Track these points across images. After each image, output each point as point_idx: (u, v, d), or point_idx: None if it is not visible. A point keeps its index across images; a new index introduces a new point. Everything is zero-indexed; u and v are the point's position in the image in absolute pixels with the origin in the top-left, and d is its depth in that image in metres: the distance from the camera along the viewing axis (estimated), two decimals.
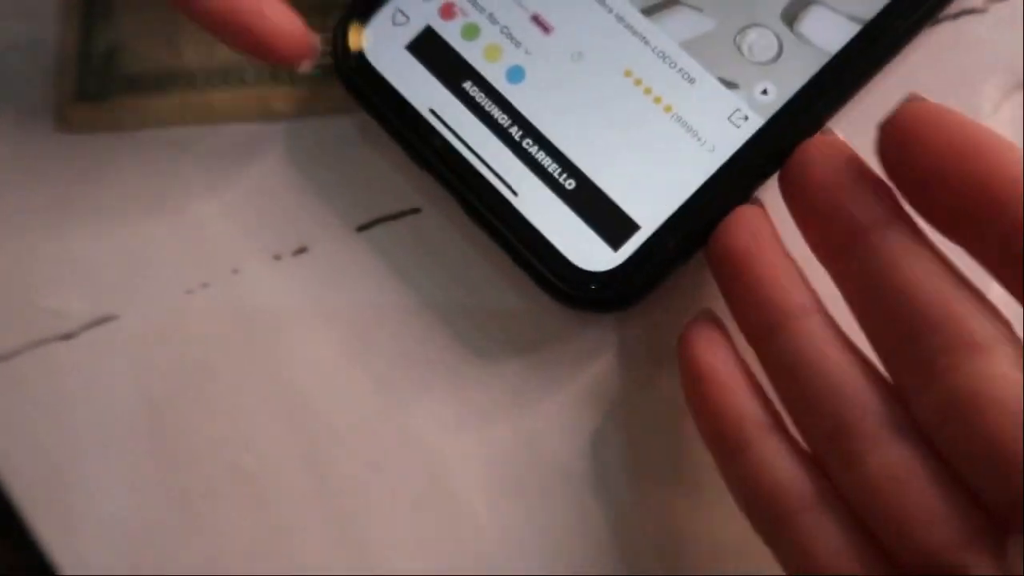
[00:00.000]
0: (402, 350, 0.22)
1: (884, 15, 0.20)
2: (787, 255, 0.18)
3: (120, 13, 0.24)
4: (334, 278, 0.22)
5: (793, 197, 0.18)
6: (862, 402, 0.16)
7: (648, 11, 0.21)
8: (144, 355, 0.22)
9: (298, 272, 0.23)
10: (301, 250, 0.23)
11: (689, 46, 0.20)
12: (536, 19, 0.21)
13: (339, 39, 0.22)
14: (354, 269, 0.22)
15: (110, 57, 0.24)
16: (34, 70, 0.24)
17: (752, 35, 0.20)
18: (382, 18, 0.22)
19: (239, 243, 0.23)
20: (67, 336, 0.22)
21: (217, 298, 0.23)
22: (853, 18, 0.20)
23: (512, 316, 0.22)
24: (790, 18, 0.20)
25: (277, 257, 0.23)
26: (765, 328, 0.17)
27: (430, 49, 0.21)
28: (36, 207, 0.23)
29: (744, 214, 0.18)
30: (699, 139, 0.20)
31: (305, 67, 0.21)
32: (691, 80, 0.20)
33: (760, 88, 0.20)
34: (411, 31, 0.21)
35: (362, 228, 0.23)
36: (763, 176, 0.20)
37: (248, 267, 0.23)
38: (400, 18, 0.22)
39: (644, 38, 0.21)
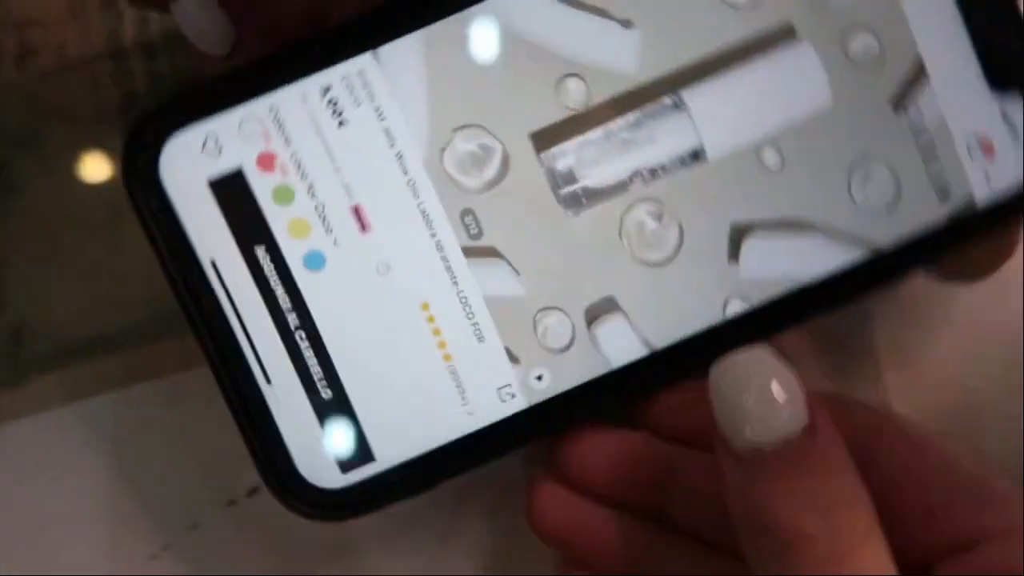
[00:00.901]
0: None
1: (673, 349, 0.19)
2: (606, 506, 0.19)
3: (13, 293, 0.22)
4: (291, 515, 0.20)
5: None
6: None
7: (469, 251, 0.19)
8: None
9: (256, 513, 0.22)
10: (254, 490, 0.22)
11: (492, 303, 0.19)
12: (356, 211, 0.18)
13: (133, 135, 0.18)
14: None
15: (17, 340, 0.22)
16: None
17: (552, 318, 0.19)
18: (191, 136, 0.18)
19: (192, 496, 0.22)
20: None
21: (181, 557, 0.22)
22: (645, 341, 0.19)
23: None
24: (592, 316, 0.19)
25: (232, 502, 0.22)
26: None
27: (233, 195, 0.18)
28: None
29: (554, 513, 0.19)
30: (463, 399, 0.19)
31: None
32: (480, 339, 0.19)
33: (537, 373, 0.19)
34: (220, 166, 0.18)
35: None
36: (505, 452, 0.19)
37: (206, 519, 0.22)
38: (212, 146, 0.18)
39: (455, 277, 0.19)
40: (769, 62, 0.18)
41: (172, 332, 0.22)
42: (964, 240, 0.19)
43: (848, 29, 0.18)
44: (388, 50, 0.18)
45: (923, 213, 0.19)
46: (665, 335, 0.19)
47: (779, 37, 0.18)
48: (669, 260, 0.19)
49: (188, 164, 0.18)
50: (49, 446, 0.22)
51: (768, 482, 0.15)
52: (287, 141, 0.18)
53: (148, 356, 0.22)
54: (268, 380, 0.18)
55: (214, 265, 0.18)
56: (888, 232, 0.19)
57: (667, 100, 0.19)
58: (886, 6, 0.18)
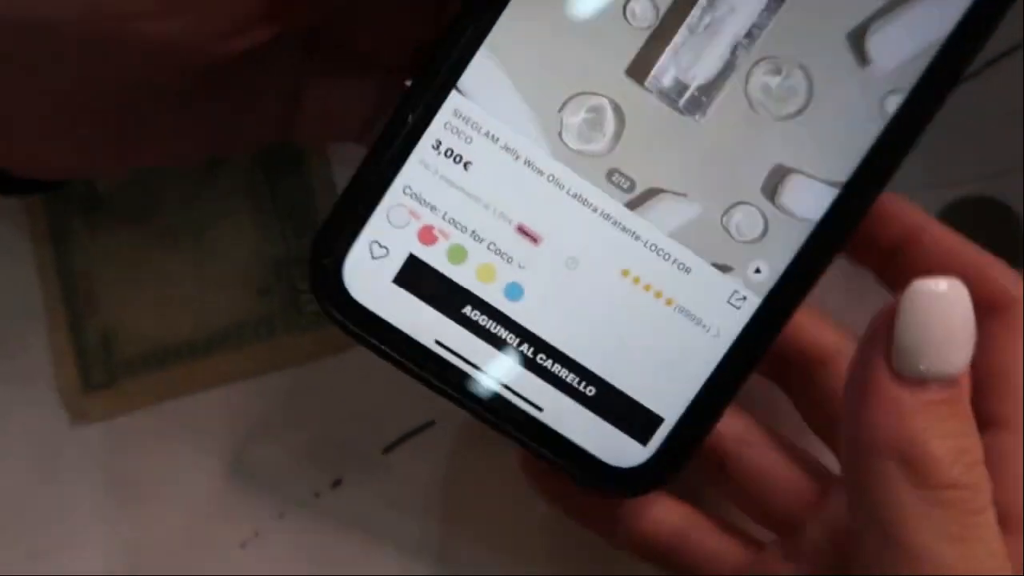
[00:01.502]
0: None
1: (858, 175, 0.18)
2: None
3: (103, 301, 0.23)
4: (370, 506, 0.22)
5: None
6: None
7: (632, 204, 0.19)
8: None
9: (338, 504, 0.23)
10: (337, 482, 0.23)
11: (678, 235, 0.19)
12: (522, 230, 0.19)
13: (316, 280, 0.19)
14: (388, 493, 0.22)
15: (107, 345, 0.23)
16: (34, 370, 0.23)
17: (738, 215, 0.19)
18: (358, 253, 0.19)
19: (279, 488, 0.23)
20: None
21: (270, 545, 0.23)
22: (830, 182, 0.18)
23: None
24: (771, 192, 0.19)
25: (317, 494, 0.23)
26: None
27: (419, 279, 0.19)
28: (78, 502, 0.23)
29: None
30: (703, 326, 0.19)
31: None
32: (687, 270, 0.19)
33: (753, 267, 0.19)
34: (394, 263, 0.19)
35: (387, 449, 0.23)
36: (767, 349, 0.19)
37: (292, 509, 0.23)
38: (378, 250, 0.19)
39: (634, 233, 0.19)
40: None
41: (258, 337, 0.23)
42: None
43: None
44: (466, 80, 0.18)
45: None
46: (844, 166, 0.19)
47: None
48: (810, 99, 0.18)
49: (369, 276, 0.19)
50: (146, 442, 0.23)
51: (928, 418, 0.15)
52: (433, 208, 0.19)
53: (232, 360, 0.23)
54: (539, 408, 0.19)
55: (440, 344, 0.19)
56: None
57: None
58: None
